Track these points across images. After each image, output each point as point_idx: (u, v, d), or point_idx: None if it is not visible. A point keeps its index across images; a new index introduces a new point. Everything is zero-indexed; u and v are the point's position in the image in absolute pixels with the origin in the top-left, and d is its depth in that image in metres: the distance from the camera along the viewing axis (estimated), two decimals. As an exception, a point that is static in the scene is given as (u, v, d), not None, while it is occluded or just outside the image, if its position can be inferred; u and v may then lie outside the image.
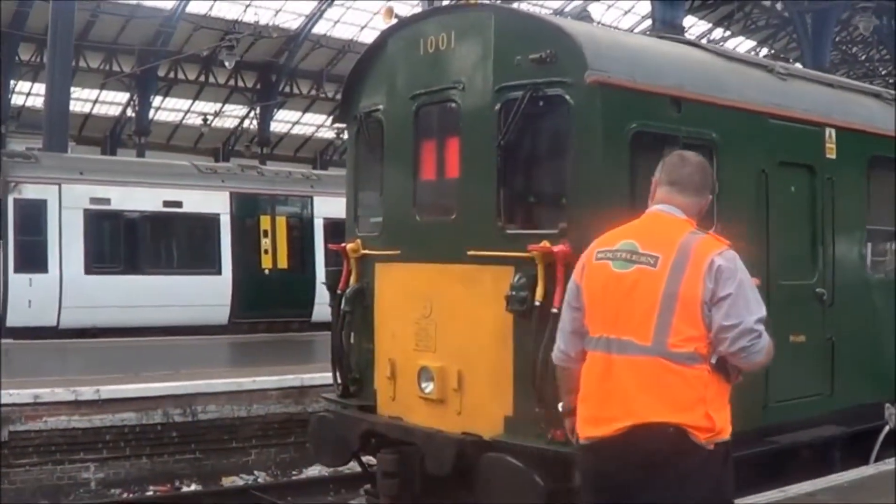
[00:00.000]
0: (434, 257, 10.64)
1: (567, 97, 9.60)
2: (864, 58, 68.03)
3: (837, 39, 56.47)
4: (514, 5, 21.58)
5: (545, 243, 9.37)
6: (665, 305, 5.50)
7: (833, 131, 11.96)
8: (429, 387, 10.47)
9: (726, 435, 5.55)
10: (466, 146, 10.50)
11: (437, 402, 10.41)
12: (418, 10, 28.18)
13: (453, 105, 10.67)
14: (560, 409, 6.39)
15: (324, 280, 12.59)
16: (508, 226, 10.07)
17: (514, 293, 9.53)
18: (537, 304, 9.38)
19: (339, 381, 11.88)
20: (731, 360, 5.55)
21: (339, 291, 11.84)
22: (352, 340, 11.78)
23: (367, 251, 11.63)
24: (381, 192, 11.76)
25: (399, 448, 10.53)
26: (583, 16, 10.87)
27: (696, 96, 10.25)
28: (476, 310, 10.11)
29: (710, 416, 5.45)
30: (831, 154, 11.95)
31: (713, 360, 5.52)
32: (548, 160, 10.50)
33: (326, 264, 29.23)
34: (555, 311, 9.23)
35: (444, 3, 28.49)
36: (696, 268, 5.51)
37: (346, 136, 47.67)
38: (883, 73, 64.98)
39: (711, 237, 5.73)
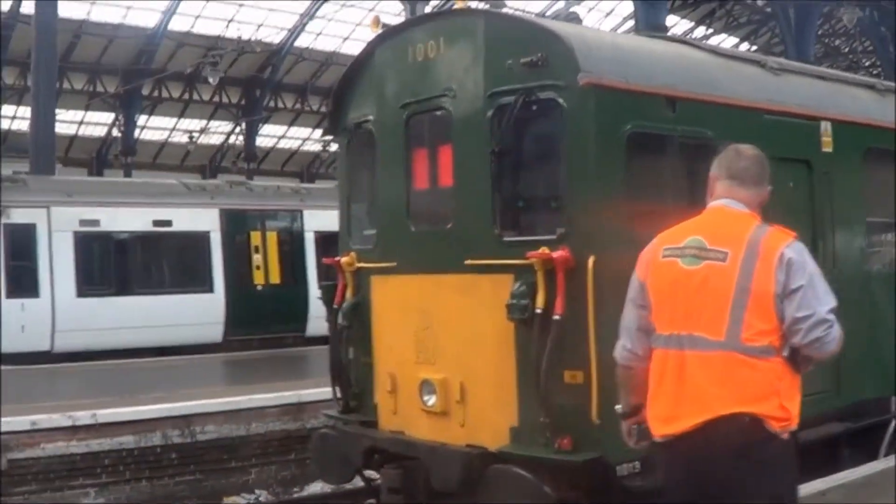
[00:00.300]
0: (431, 268, 10.51)
1: (560, 100, 9.47)
2: (847, 50, 68.08)
3: (820, 33, 56.52)
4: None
5: (544, 249, 9.26)
6: (738, 300, 5.54)
7: (829, 125, 11.86)
8: (431, 399, 10.34)
9: (795, 424, 5.60)
10: (459, 154, 10.37)
11: (440, 414, 10.28)
12: (401, 19, 28.09)
13: (444, 113, 10.54)
14: (618, 410, 6.34)
15: (319, 295, 12.41)
16: (505, 233, 9.94)
17: (514, 301, 9.39)
18: (538, 311, 9.25)
19: (339, 396, 11.74)
20: (805, 351, 5.58)
21: (335, 306, 11.71)
22: (350, 355, 11.64)
23: (362, 264, 11.48)
24: (374, 204, 11.64)
25: (403, 463, 10.41)
26: (571, 17, 10.76)
27: (690, 95, 10.14)
28: (476, 320, 9.98)
29: (784, 406, 5.51)
30: (828, 147, 11.85)
31: (785, 352, 5.56)
32: (543, 165, 10.34)
33: (319, 278, 29.20)
34: (556, 318, 9.15)
35: (427, 10, 28.42)
36: (766, 262, 5.57)
37: (332, 148, 47.45)
38: (867, 64, 65.11)
39: (778, 230, 5.74)
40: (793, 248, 5.62)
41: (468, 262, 9.97)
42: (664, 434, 5.68)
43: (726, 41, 63.41)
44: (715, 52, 11.99)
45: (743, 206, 5.91)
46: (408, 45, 10.94)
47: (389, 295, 11.10)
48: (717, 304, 5.58)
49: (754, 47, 63.23)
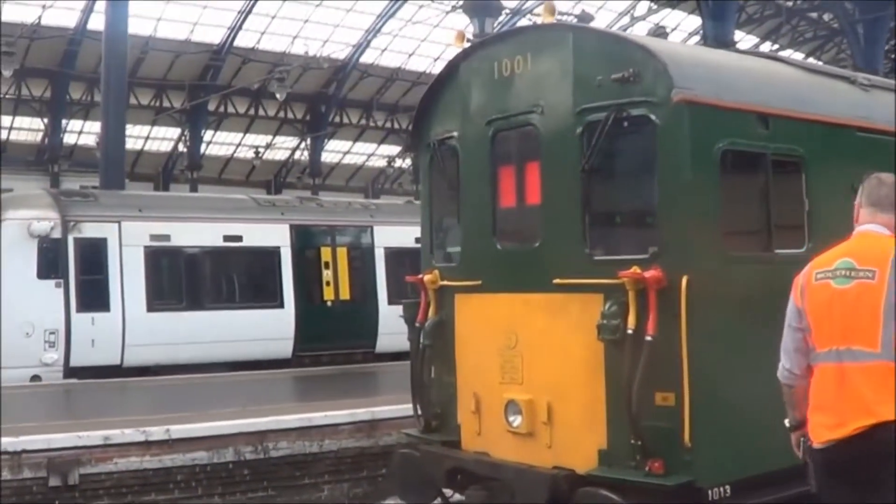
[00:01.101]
0: (518, 287, 10.38)
1: (652, 117, 9.33)
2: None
3: (886, 48, 55.90)
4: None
5: (635, 269, 9.12)
6: (888, 314, 6.06)
7: (920, 142, 11.61)
8: (517, 420, 10.21)
9: None
10: (548, 171, 10.25)
11: (526, 435, 10.15)
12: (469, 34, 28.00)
13: (532, 129, 10.41)
14: (786, 424, 6.93)
15: (401, 313, 12.27)
16: (595, 252, 9.80)
17: (605, 321, 9.24)
18: (630, 332, 9.10)
19: (420, 415, 11.62)
20: None
21: (417, 324, 11.59)
22: (432, 374, 11.52)
23: (445, 282, 11.36)
24: (458, 221, 11.51)
25: (488, 484, 10.26)
26: (658, 33, 10.58)
27: (783, 112, 9.97)
28: (565, 340, 9.84)
29: None
30: (919, 165, 11.60)
31: None
32: (634, 183, 10.21)
33: (389, 294, 29.14)
34: (648, 338, 9.00)
35: (496, 24, 28.26)
36: None
37: (397, 163, 47.53)
38: (935, 80, 64.16)
39: None
40: None
41: (557, 281, 9.84)
42: (827, 440, 6.21)
43: (792, 56, 62.83)
44: (805, 68, 11.84)
45: (885, 230, 6.49)
46: (494, 60, 10.83)
47: (474, 313, 10.98)
48: (871, 318, 6.09)
49: (820, 63, 62.64)
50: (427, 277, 11.47)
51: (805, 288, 6.51)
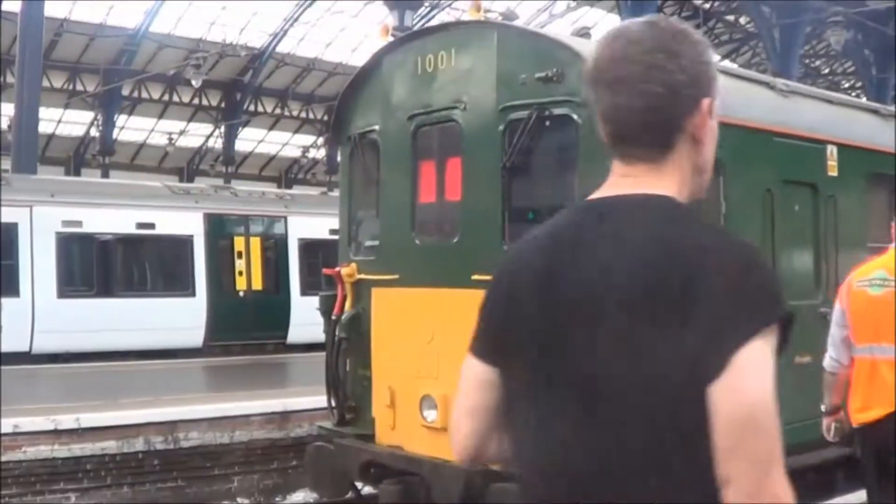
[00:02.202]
0: (435, 282, 10.38)
1: (575, 117, 9.40)
2: (827, 71, 68.30)
3: (801, 53, 56.67)
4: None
5: (553, 266, 9.12)
6: None
7: (835, 148, 11.81)
8: (431, 415, 10.22)
9: None
10: (469, 167, 10.28)
11: (441, 430, 10.11)
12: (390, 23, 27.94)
13: (454, 125, 10.44)
14: (822, 409, 8.12)
15: (316, 306, 12.24)
16: (515, 248, 9.80)
17: (523, 318, 9.25)
18: (547, 329, 9.12)
19: (334, 408, 11.59)
20: None
21: (333, 317, 11.55)
22: (348, 367, 11.49)
23: (363, 276, 11.34)
24: (377, 215, 11.50)
25: (403, 478, 10.27)
26: (582, 33, 10.69)
27: (703, 115, 10.06)
28: (482, 336, 9.82)
29: None
30: (833, 172, 11.81)
31: None
32: (555, 181, 10.28)
33: (301, 285, 29.03)
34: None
35: (415, 17, 28.24)
36: None
37: (311, 154, 47.20)
38: (846, 85, 65.27)
39: None
40: None
41: (475, 276, 9.83)
42: (861, 422, 7.56)
43: (708, 59, 63.21)
44: (725, 72, 11.92)
45: None
46: (417, 54, 10.83)
47: (391, 308, 10.97)
48: None
49: (734, 66, 63.25)
50: (344, 270, 11.43)
51: (847, 293, 7.77)
